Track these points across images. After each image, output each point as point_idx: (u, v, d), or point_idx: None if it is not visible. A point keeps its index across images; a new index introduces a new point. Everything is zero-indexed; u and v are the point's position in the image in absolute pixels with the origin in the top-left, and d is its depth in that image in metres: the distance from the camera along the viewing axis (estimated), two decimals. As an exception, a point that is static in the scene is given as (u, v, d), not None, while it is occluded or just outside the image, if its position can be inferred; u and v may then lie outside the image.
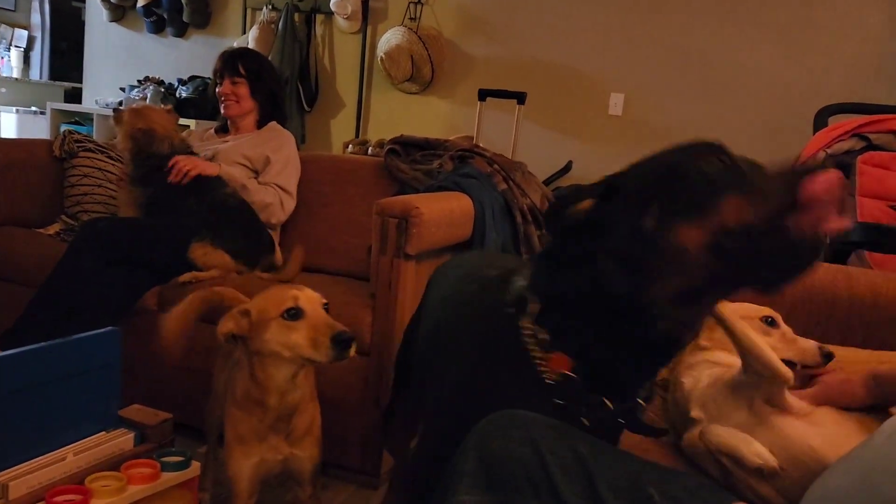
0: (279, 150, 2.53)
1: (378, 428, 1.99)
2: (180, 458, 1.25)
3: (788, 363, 1.17)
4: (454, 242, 2.24)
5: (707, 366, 1.28)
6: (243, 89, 2.56)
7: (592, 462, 0.86)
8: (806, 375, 1.24)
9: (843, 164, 2.28)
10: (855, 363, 1.29)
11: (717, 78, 4.17)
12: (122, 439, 1.25)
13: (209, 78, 5.20)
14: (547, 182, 4.25)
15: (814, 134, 2.41)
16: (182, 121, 3.20)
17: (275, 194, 2.46)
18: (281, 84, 2.83)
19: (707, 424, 1.17)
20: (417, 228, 1.95)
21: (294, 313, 1.25)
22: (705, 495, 0.83)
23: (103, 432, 1.26)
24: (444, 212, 2.14)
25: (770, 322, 1.28)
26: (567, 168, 4.43)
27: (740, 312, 1.28)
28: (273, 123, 2.65)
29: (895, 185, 2.18)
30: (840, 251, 1.84)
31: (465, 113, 4.59)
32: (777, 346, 1.24)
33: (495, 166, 2.56)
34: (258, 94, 2.60)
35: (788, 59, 4.01)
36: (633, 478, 0.85)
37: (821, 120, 2.48)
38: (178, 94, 5.18)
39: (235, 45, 5.09)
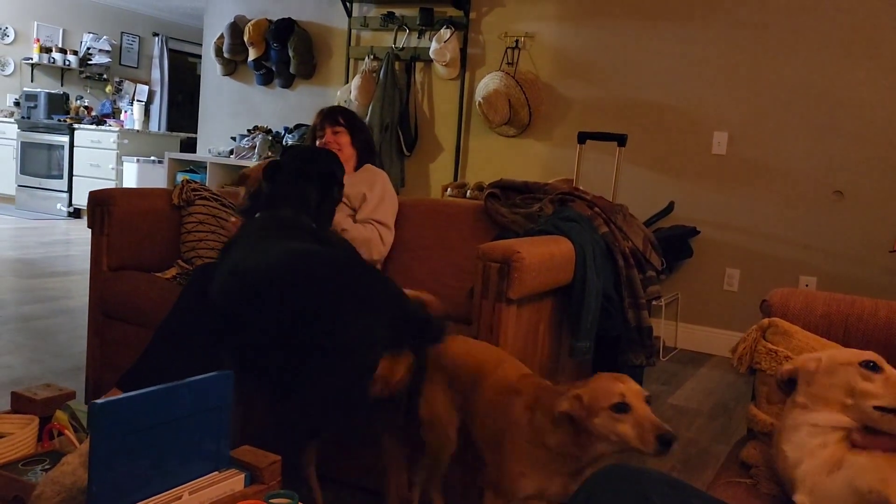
0: (374, 187, 2.63)
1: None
2: (289, 500, 1.27)
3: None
4: (555, 286, 2.21)
5: (809, 431, 1.19)
6: (344, 137, 2.73)
7: (710, 522, 0.82)
8: None
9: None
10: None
11: (825, 114, 4.01)
12: (234, 479, 1.28)
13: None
14: (648, 223, 4.16)
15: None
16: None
17: (373, 229, 2.55)
18: (371, 135, 3.02)
19: None
20: (519, 273, 1.94)
21: (621, 408, 1.36)
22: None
23: (216, 472, 1.29)
24: (544, 256, 2.12)
25: (872, 367, 1.19)
26: (669, 209, 4.34)
27: (839, 359, 1.21)
28: (368, 165, 2.76)
29: None
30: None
31: (563, 155, 4.58)
32: (879, 392, 1.16)
33: (596, 209, 2.53)
34: (356, 141, 2.76)
35: (906, 93, 3.82)
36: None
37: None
38: (284, 142, 5.41)
39: (339, 93, 5.30)
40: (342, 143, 2.71)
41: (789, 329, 1.43)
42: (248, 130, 5.76)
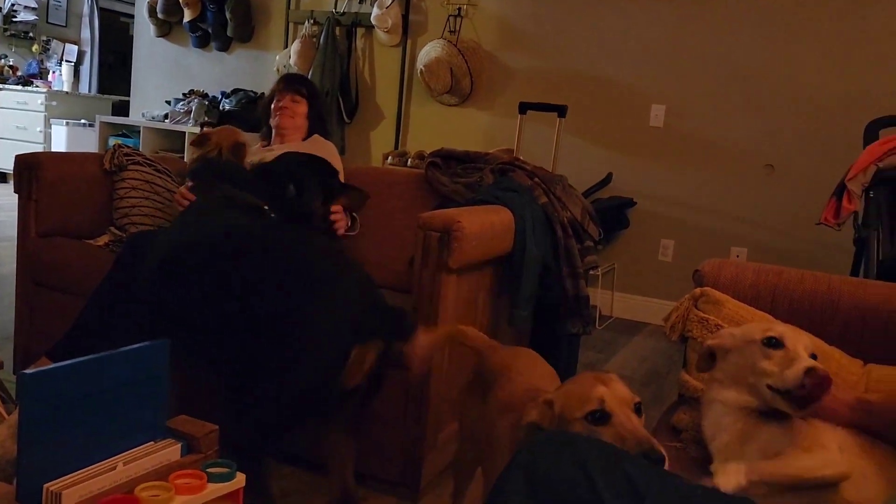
0: (334, 159, 2.62)
1: (418, 440, 2.00)
2: (226, 469, 1.26)
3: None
4: (495, 255, 2.23)
5: (721, 409, 1.22)
6: (302, 108, 2.75)
7: (643, 484, 0.85)
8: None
9: (894, 178, 2.23)
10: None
11: (762, 91, 4.11)
12: (170, 449, 1.27)
13: (252, 91, 5.30)
14: (587, 194, 4.22)
15: (864, 147, 2.36)
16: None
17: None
18: (325, 107, 3.02)
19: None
20: (459, 242, 1.95)
21: (599, 416, 1.09)
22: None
23: (152, 442, 1.28)
24: (484, 225, 2.14)
25: (773, 343, 1.19)
26: (607, 180, 4.41)
27: (748, 336, 1.23)
28: (316, 136, 2.76)
29: (949, 200, 2.13)
30: (892, 268, 1.80)
31: (504, 125, 4.59)
32: (774, 371, 1.17)
33: (536, 179, 2.55)
34: (312, 113, 2.78)
35: (837, 72, 3.95)
36: (683, 500, 0.83)
37: (871, 133, 2.43)
38: (221, 107, 5.27)
39: (278, 58, 5.18)
40: (298, 112, 2.73)
41: (720, 298, 1.48)
42: (184, 94, 5.60)
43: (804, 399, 1.12)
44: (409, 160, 4.42)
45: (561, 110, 3.78)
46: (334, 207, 2.47)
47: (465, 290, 2.14)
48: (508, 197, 2.38)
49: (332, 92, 4.96)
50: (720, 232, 4.25)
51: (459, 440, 1.70)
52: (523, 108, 3.90)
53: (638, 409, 1.13)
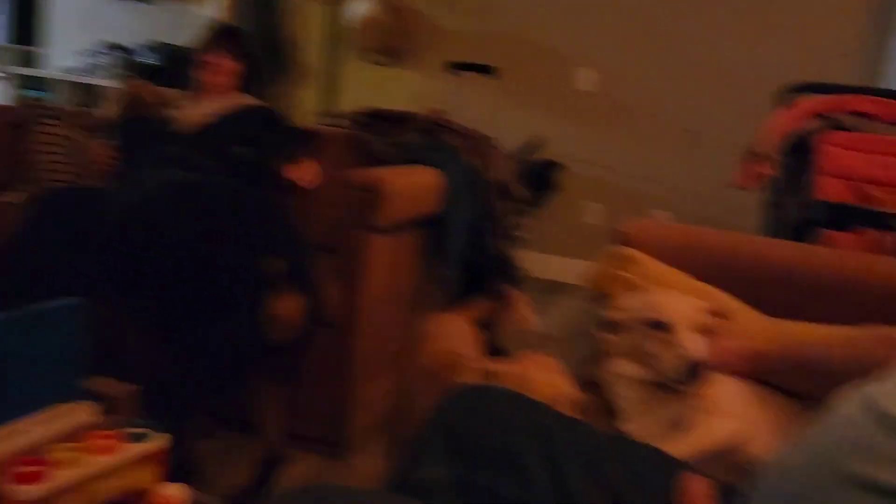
0: None
1: (345, 398, 2.01)
2: (146, 430, 1.25)
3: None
4: (422, 216, 2.24)
5: (622, 381, 1.25)
6: (232, 65, 2.53)
7: (556, 434, 0.88)
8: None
9: (805, 143, 2.32)
10: (809, 337, 1.32)
11: (685, 55, 4.19)
12: (86, 411, 1.24)
13: (175, 45, 5.10)
14: (517, 156, 4.25)
15: (776, 112, 2.44)
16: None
17: None
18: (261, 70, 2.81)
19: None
20: (385, 202, 1.95)
21: None
22: (659, 464, 0.85)
23: (67, 403, 1.25)
24: (411, 185, 2.14)
25: (658, 326, 1.21)
26: (537, 143, 4.44)
27: (638, 315, 1.24)
28: (245, 95, 2.62)
29: (857, 165, 2.22)
30: (800, 229, 1.88)
31: (435, 86, 4.56)
32: (655, 353, 1.19)
33: (464, 140, 2.56)
34: (243, 73, 2.57)
35: (755, 39, 4.05)
36: (594, 449, 0.87)
37: (783, 99, 2.51)
38: (141, 61, 5.08)
39: (202, 11, 4.99)
40: (230, 72, 2.52)
41: (638, 257, 1.52)
42: (101, 47, 5.35)
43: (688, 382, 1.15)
44: (341, 120, 4.35)
45: (490, 71, 3.77)
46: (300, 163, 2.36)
47: (392, 250, 2.14)
48: (436, 157, 2.39)
49: (258, 47, 4.82)
50: (645, 195, 4.35)
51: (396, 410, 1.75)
52: (453, 68, 3.88)
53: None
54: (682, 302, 1.25)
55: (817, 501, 0.60)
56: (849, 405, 0.67)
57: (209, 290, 1.62)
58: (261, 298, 1.62)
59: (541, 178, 4.34)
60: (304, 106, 4.99)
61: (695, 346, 1.16)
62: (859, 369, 0.85)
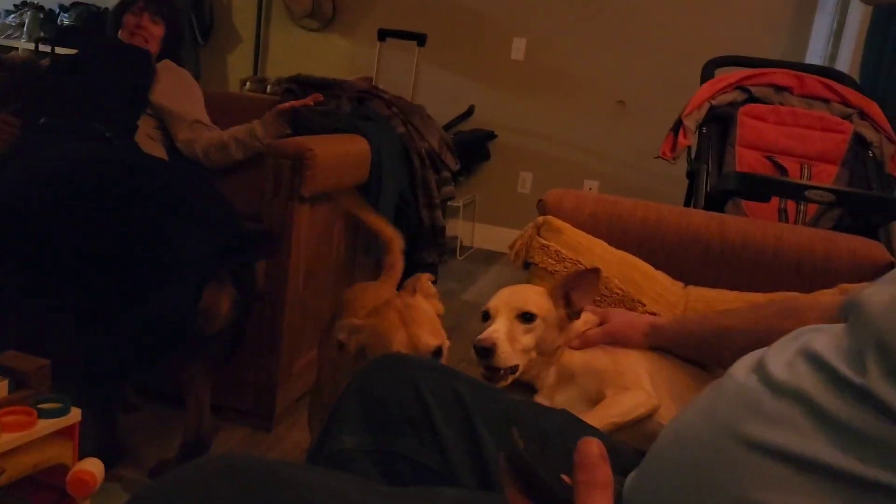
0: (192, 88, 2.43)
1: (272, 370, 2.00)
2: (58, 405, 1.22)
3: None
4: (350, 185, 2.22)
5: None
6: (159, 30, 2.44)
7: (470, 400, 0.89)
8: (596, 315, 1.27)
9: (726, 115, 2.39)
10: (721, 303, 1.37)
11: (616, 27, 4.24)
12: (-4, 386, 1.21)
13: (94, 5, 4.90)
14: (449, 126, 4.25)
15: (701, 85, 2.49)
16: (61, 50, 2.99)
17: (219, 131, 2.33)
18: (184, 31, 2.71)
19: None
20: (312, 171, 1.93)
21: None
22: (572, 430, 0.88)
23: (-26, 380, 1.21)
24: (339, 154, 2.12)
25: (485, 317, 1.21)
26: (469, 112, 4.45)
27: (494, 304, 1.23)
28: (167, 61, 2.52)
29: (771, 137, 2.30)
30: (717, 199, 1.94)
31: (367, 52, 4.50)
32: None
33: (394, 109, 2.54)
34: (168, 38, 2.48)
35: (681, 12, 4.12)
36: (507, 414, 0.89)
37: (708, 72, 2.57)
38: (59, 21, 4.86)
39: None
40: (153, 36, 2.42)
41: (561, 226, 1.55)
42: (15, 6, 5.10)
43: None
44: (269, 86, 4.26)
45: (420, 39, 3.74)
46: None
47: (320, 219, 2.12)
48: (365, 126, 2.37)
49: (184, 10, 4.67)
50: (575, 164, 4.41)
51: (317, 381, 1.69)
52: (382, 35, 3.83)
53: (437, 355, 1.16)
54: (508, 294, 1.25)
55: (713, 464, 0.62)
56: (741, 369, 0.70)
57: (133, 270, 1.56)
58: (188, 283, 1.56)
59: (475, 148, 4.35)
60: (235, 72, 4.87)
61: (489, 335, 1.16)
62: (761, 338, 0.89)
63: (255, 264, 1.88)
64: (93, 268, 1.57)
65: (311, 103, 2.05)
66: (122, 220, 1.59)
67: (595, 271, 1.24)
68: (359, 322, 1.20)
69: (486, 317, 1.21)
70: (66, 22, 4.84)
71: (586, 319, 1.27)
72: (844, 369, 0.58)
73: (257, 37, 4.79)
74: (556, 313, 1.22)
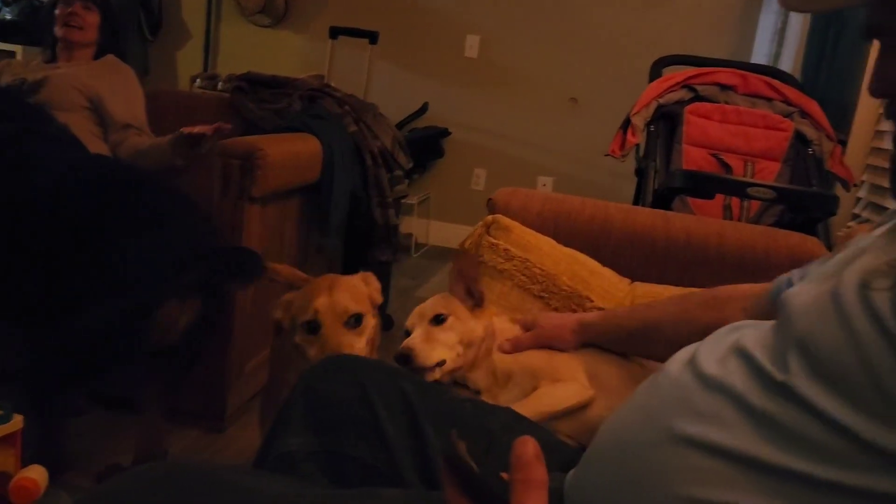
0: (132, 88, 2.38)
1: (223, 371, 1.98)
2: (0, 412, 1.20)
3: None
4: (302, 184, 2.21)
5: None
6: (93, 18, 2.38)
7: (416, 400, 0.90)
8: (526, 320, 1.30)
9: (673, 113, 2.43)
10: (655, 297, 1.40)
11: (568, 24, 4.28)
12: (-68, 394, 1.18)
13: (37, 0, 4.76)
14: (403, 124, 4.25)
15: (649, 84, 2.54)
16: (4, 46, 2.91)
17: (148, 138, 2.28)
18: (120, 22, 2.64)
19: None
20: (262, 171, 1.91)
21: (312, 327, 1.21)
22: (517, 428, 0.89)
23: None
24: (290, 153, 2.11)
25: (406, 333, 1.25)
26: (423, 110, 4.45)
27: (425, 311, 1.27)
28: (111, 56, 2.47)
29: (716, 135, 2.35)
30: (664, 196, 1.98)
31: (318, 50, 4.47)
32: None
33: (346, 107, 2.54)
34: (105, 26, 2.42)
35: (631, 10, 4.18)
36: (453, 413, 0.90)
37: (655, 70, 2.62)
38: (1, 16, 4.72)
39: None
40: (88, 24, 2.37)
41: (510, 225, 1.56)
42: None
43: None
44: (220, 84, 4.20)
45: (373, 37, 3.73)
46: None
47: (271, 219, 2.11)
48: (317, 125, 2.35)
49: (131, 4, 4.57)
50: (529, 162, 4.45)
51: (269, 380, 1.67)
52: (334, 32, 3.81)
53: (356, 321, 1.23)
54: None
55: (650, 461, 0.64)
56: (676, 364, 0.72)
57: (74, 277, 1.51)
58: (136, 293, 1.49)
59: (429, 145, 4.36)
60: (185, 69, 4.79)
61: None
62: (687, 329, 0.91)
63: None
64: (33, 273, 1.53)
65: (212, 132, 1.97)
66: (67, 224, 1.53)
67: (463, 254, 1.31)
68: (290, 295, 1.27)
69: (408, 333, 1.25)
70: (7, 16, 4.70)
71: (509, 328, 1.29)
72: (769, 366, 0.61)
73: (207, 33, 4.72)
74: (464, 306, 1.28)
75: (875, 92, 0.68)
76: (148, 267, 1.50)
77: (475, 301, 1.29)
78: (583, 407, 1.14)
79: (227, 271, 1.60)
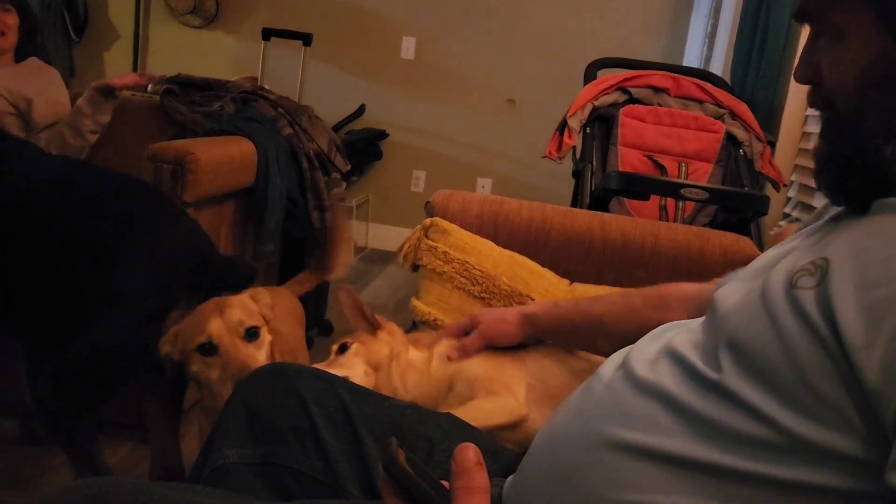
0: (57, 88, 2.31)
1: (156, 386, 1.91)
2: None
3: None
4: (236, 188, 2.16)
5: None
6: (12, 19, 2.27)
7: (355, 408, 0.89)
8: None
9: (608, 115, 2.47)
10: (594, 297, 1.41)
11: (504, 26, 4.31)
12: None
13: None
14: (339, 126, 4.21)
15: (584, 86, 2.57)
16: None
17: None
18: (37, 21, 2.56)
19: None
20: (194, 175, 1.86)
21: (208, 349, 1.18)
22: (457, 434, 0.88)
23: None
24: (223, 157, 2.06)
25: (341, 349, 1.25)
26: (360, 112, 4.42)
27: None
28: (34, 59, 2.38)
29: (650, 137, 2.40)
30: (601, 198, 2.00)
31: (251, 52, 4.39)
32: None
33: (280, 110, 2.49)
34: (24, 27, 2.33)
35: (566, 13, 4.24)
36: (392, 420, 0.88)
37: (590, 73, 2.65)
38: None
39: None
40: (8, 26, 2.26)
41: (448, 228, 1.56)
42: None
43: None
44: (149, 86, 4.09)
45: (306, 38, 3.67)
46: None
47: (205, 224, 2.04)
48: (250, 128, 2.31)
49: (55, 4, 4.41)
50: (468, 163, 4.46)
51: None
52: (266, 34, 3.74)
53: (253, 334, 1.21)
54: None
55: (584, 467, 0.63)
56: (609, 368, 0.72)
57: (76, 296, 1.40)
58: (137, 310, 1.41)
59: (367, 147, 4.33)
60: (112, 70, 4.65)
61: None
62: (630, 327, 0.92)
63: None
64: (34, 293, 1.42)
65: (131, 83, 2.01)
66: (66, 241, 1.43)
67: (341, 290, 1.31)
68: (175, 328, 1.23)
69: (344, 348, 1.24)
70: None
71: (448, 342, 1.27)
72: (702, 366, 0.61)
73: (136, 34, 4.59)
74: (363, 329, 1.27)
75: (801, 78, 0.69)
76: (151, 276, 1.42)
77: (372, 325, 1.29)
78: (512, 425, 1.11)
79: (223, 279, 1.53)
